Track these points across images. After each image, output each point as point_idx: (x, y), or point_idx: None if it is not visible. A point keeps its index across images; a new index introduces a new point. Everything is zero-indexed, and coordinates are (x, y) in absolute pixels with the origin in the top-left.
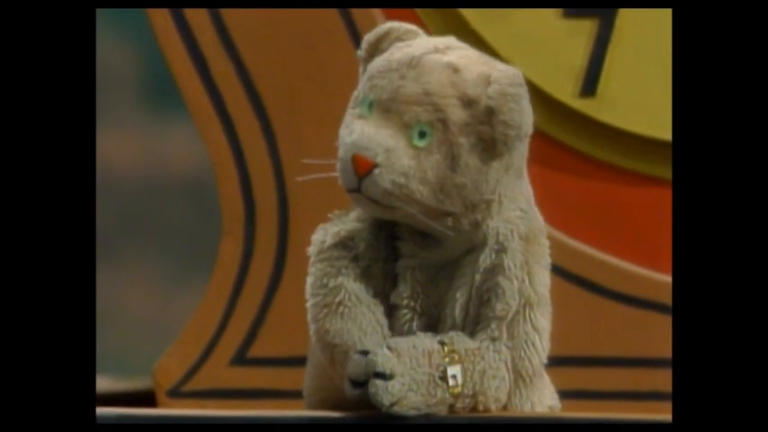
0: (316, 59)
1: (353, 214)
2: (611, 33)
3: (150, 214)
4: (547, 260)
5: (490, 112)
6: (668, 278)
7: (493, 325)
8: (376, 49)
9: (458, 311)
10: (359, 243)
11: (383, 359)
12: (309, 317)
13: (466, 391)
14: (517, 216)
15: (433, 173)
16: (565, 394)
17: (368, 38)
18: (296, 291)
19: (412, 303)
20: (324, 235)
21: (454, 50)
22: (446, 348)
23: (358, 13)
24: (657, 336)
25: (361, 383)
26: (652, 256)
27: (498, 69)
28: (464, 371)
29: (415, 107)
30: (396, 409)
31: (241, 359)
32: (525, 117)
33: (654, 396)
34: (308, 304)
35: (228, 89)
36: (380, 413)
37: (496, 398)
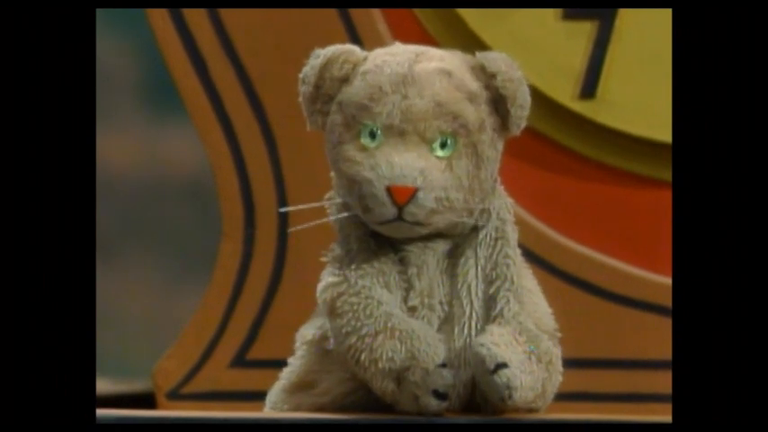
0: None
1: (340, 245)
2: (611, 35)
3: (150, 216)
4: None
5: (498, 101)
6: (667, 280)
7: (511, 299)
8: (322, 78)
9: (473, 294)
10: (373, 263)
11: (496, 350)
12: (357, 350)
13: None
14: (503, 189)
15: (465, 176)
16: (564, 396)
17: (308, 72)
18: (295, 292)
19: (432, 302)
20: (341, 279)
21: (425, 54)
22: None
23: (357, 14)
24: (656, 338)
25: (444, 395)
26: (651, 258)
27: (485, 59)
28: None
29: (434, 121)
30: (520, 394)
31: (241, 361)
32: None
33: (653, 398)
34: (350, 341)
35: (227, 90)
36: (380, 416)
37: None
